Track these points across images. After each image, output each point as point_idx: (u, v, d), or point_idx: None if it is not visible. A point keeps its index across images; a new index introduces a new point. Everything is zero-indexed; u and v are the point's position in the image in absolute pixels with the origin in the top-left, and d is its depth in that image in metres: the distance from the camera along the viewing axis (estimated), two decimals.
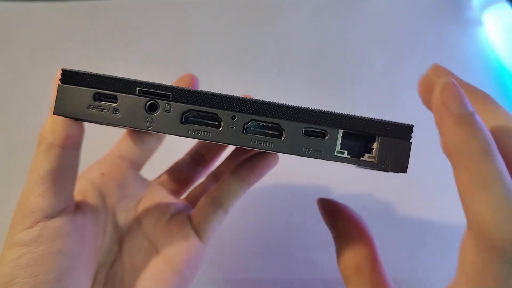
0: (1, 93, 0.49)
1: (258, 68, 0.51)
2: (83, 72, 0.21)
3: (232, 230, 0.35)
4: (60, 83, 0.21)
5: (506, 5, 0.52)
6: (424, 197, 0.44)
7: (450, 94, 0.17)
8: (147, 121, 0.21)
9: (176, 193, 0.34)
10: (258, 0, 0.56)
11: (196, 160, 0.34)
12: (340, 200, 0.44)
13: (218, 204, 0.28)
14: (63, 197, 0.24)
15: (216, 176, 0.34)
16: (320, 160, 0.21)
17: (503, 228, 0.15)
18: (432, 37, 0.53)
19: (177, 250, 0.28)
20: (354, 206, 0.44)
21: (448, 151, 0.17)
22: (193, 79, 0.31)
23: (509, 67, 0.51)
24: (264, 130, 0.21)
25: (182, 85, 0.31)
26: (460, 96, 0.17)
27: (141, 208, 0.30)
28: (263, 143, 0.21)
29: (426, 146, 0.47)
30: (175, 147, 0.36)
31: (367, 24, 0.54)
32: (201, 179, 0.35)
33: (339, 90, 0.50)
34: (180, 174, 0.34)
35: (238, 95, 0.22)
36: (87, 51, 0.52)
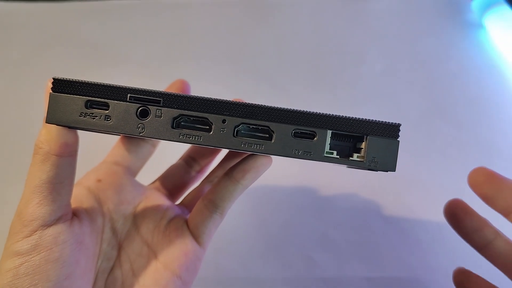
0: (0, 93, 0.49)
1: (257, 68, 0.51)
2: (74, 80, 0.21)
3: (230, 229, 0.36)
4: (51, 91, 0.21)
5: (507, 7, 0.53)
6: (422, 197, 0.44)
7: None
8: (139, 127, 0.21)
9: (171, 198, 0.34)
10: (258, 0, 0.56)
11: (190, 164, 0.35)
12: (337, 200, 0.44)
13: (214, 207, 0.28)
14: (60, 205, 0.24)
15: (210, 180, 0.34)
16: (311, 161, 0.22)
17: None
18: (432, 38, 0.54)
19: (176, 255, 0.28)
20: (352, 206, 0.45)
21: None
22: (183, 84, 0.32)
23: (510, 69, 0.52)
24: (254, 133, 0.22)
25: (173, 90, 0.31)
26: None
27: (138, 213, 0.31)
28: (254, 146, 0.22)
29: (423, 145, 0.47)
30: (169, 152, 0.36)
31: (366, 25, 0.55)
32: (196, 184, 0.35)
33: (339, 90, 0.50)
34: (175, 179, 0.34)
35: (229, 99, 0.22)
36: (86, 51, 0.52)
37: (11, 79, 0.49)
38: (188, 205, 0.33)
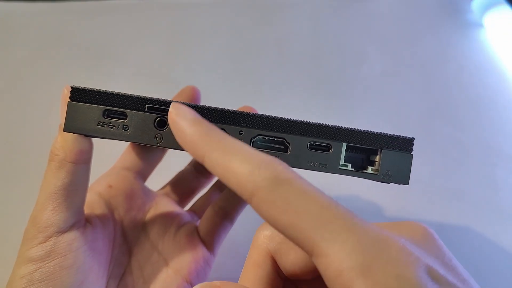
0: (1, 94, 0.48)
1: (257, 69, 0.51)
2: (92, 89, 0.22)
3: (234, 230, 0.36)
4: (69, 100, 0.22)
5: (507, 7, 0.53)
6: (422, 197, 0.44)
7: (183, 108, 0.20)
8: (156, 137, 0.22)
9: (181, 203, 0.34)
10: (258, 0, 0.56)
11: (199, 170, 0.35)
12: (337, 200, 0.43)
13: (224, 214, 0.29)
14: (74, 211, 0.24)
15: (219, 186, 0.34)
16: (325, 173, 0.22)
17: None
18: (432, 39, 0.54)
19: (186, 262, 0.28)
20: (352, 206, 0.45)
21: (191, 147, 0.18)
22: (194, 91, 0.32)
23: (510, 69, 0.52)
24: (270, 145, 0.22)
25: (184, 98, 0.31)
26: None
27: (149, 219, 0.31)
28: None
29: (423, 145, 0.47)
30: (178, 157, 0.36)
31: (367, 25, 0.55)
32: (205, 189, 0.35)
33: (339, 90, 0.50)
34: (184, 185, 0.34)
35: (238, 104, 0.22)
36: (86, 51, 0.52)
37: (12, 79, 0.49)
38: (197, 211, 0.33)
